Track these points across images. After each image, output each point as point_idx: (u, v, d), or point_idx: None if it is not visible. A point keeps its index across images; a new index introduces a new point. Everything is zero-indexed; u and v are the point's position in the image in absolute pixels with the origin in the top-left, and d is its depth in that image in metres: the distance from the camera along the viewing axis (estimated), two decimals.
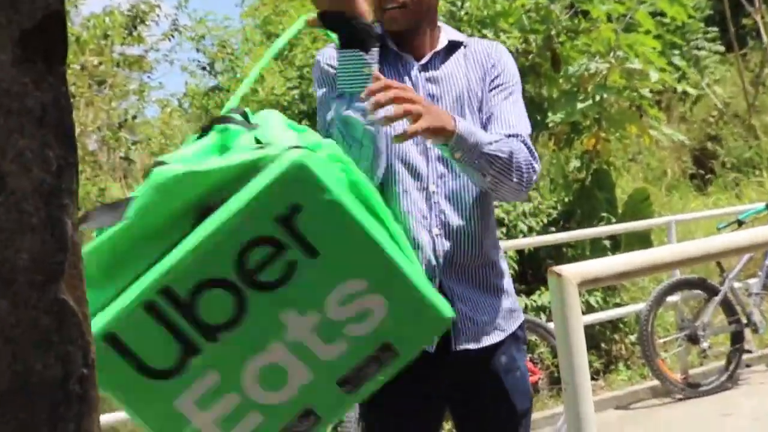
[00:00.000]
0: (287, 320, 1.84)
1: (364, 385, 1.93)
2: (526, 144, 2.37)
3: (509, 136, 2.36)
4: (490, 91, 2.47)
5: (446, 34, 2.52)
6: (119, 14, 11.22)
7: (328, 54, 2.41)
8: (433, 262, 2.34)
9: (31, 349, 0.72)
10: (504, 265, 2.50)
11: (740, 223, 7.24)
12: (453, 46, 2.50)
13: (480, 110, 2.45)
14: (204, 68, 10.44)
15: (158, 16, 11.69)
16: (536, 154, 2.39)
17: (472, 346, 2.36)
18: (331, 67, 2.35)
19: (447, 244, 2.36)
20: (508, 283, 2.49)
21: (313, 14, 2.18)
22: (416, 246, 2.31)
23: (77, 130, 9.17)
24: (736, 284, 7.23)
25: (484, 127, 2.42)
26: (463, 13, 7.87)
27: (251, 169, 1.78)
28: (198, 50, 10.48)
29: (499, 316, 2.43)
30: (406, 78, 2.42)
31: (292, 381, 1.89)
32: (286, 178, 1.76)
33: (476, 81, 2.47)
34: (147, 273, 1.77)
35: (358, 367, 1.90)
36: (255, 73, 2.26)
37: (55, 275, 0.73)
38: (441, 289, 2.29)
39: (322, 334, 1.86)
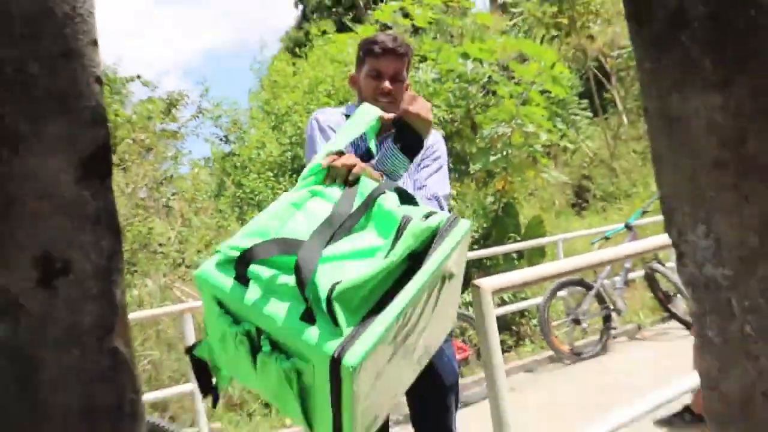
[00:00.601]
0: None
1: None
2: (438, 201, 2.35)
3: (429, 198, 2.34)
4: (423, 160, 2.43)
5: None
6: (159, 101, 11.18)
7: (331, 118, 2.39)
8: None
9: (96, 383, 0.72)
10: None
11: (607, 239, 7.32)
12: None
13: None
14: (221, 139, 10.42)
15: (187, 102, 11.67)
16: (446, 208, 2.38)
17: None
18: (332, 129, 2.32)
19: None
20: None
21: (389, 115, 2.04)
22: None
23: (131, 187, 9.10)
24: (606, 281, 7.29)
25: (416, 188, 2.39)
26: None
27: (436, 230, 1.59)
28: (216, 126, 10.47)
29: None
30: (372, 147, 2.24)
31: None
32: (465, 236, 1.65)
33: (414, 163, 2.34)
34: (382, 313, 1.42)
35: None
36: (326, 148, 1.84)
37: (110, 330, 0.74)
38: None
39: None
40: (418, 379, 2.37)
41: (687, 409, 4.32)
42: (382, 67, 2.39)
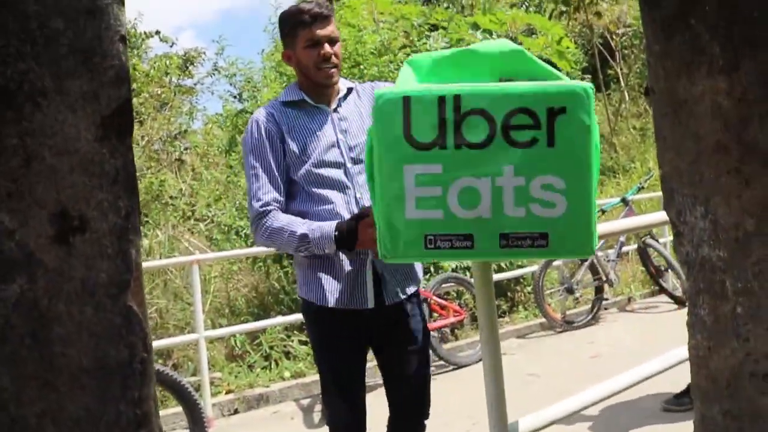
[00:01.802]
0: (505, 170, 1.76)
1: (512, 249, 1.79)
2: None
3: None
4: None
5: (343, 83, 2.46)
6: (176, 57, 11.07)
7: (270, 121, 2.34)
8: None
9: (108, 340, 0.71)
10: None
11: (603, 212, 7.29)
12: (348, 91, 2.45)
13: None
14: (235, 97, 10.32)
15: (204, 59, 11.56)
16: None
17: (395, 300, 2.35)
18: (275, 133, 2.33)
19: None
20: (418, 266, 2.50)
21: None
22: None
23: (146, 139, 9.06)
24: (599, 253, 7.30)
25: None
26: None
27: (554, 77, 1.86)
28: (231, 84, 10.37)
29: (410, 278, 2.43)
30: (326, 120, 2.37)
31: (477, 209, 1.78)
32: (575, 90, 1.75)
33: (368, 112, 2.40)
34: (456, 86, 1.78)
35: (519, 234, 1.77)
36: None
37: (124, 289, 0.72)
38: (372, 265, 2.32)
39: (518, 195, 1.76)
40: (389, 334, 2.42)
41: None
42: (317, 34, 2.32)
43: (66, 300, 0.69)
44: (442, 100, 1.77)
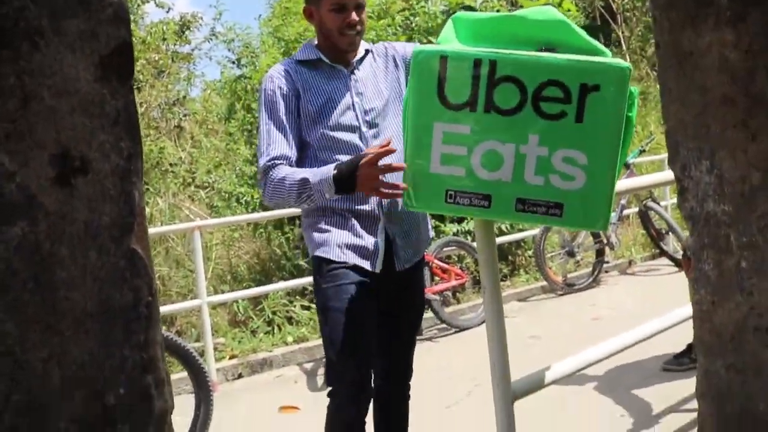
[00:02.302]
0: (530, 139, 1.80)
1: (526, 214, 1.85)
2: None
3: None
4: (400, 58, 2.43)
5: (362, 45, 2.40)
6: (173, 23, 10.95)
7: (287, 81, 2.29)
8: (377, 211, 2.29)
9: (112, 283, 0.70)
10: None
11: None
12: (366, 53, 2.39)
13: (395, 83, 2.40)
14: (233, 62, 10.22)
15: (201, 24, 11.43)
16: None
17: (405, 266, 2.36)
18: (295, 91, 2.29)
19: (391, 200, 2.30)
20: (425, 222, 2.48)
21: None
22: (365, 201, 2.28)
23: (144, 106, 9.01)
24: None
25: None
26: (414, 25, 7.71)
27: (599, 53, 1.84)
28: (229, 49, 10.26)
29: (420, 246, 2.43)
30: (342, 81, 2.32)
31: (498, 172, 1.84)
32: (613, 68, 1.76)
33: (384, 69, 2.40)
34: (494, 51, 1.80)
35: (535, 201, 1.82)
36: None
37: (128, 231, 0.71)
38: (385, 231, 2.30)
39: (539, 164, 1.81)
40: (398, 297, 2.43)
41: (691, 347, 4.13)
42: (344, 0, 2.25)
43: (68, 243, 0.68)
44: (478, 62, 1.79)
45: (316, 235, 2.33)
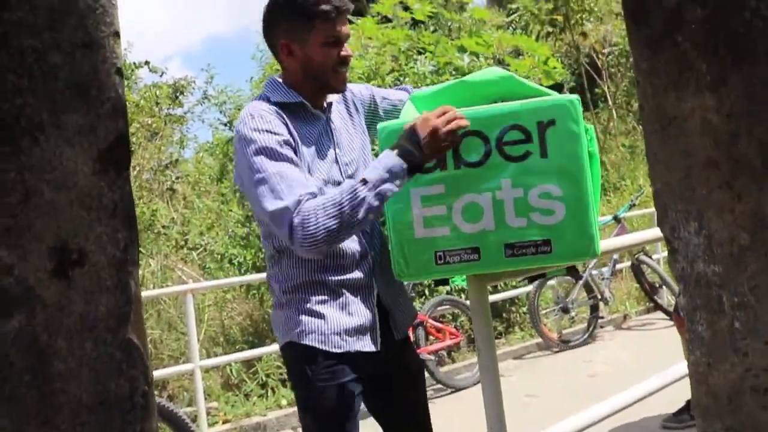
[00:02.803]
0: (503, 183, 1.86)
1: (517, 258, 1.87)
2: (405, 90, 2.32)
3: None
4: (372, 95, 2.21)
5: None
6: (166, 87, 11.11)
7: (274, 122, 1.91)
8: (371, 280, 2.03)
9: (108, 374, 0.70)
10: None
11: None
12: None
13: (362, 132, 2.16)
14: (224, 124, 10.36)
15: (193, 88, 11.59)
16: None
17: (402, 334, 2.11)
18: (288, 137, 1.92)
19: (379, 265, 2.06)
20: (408, 290, 2.41)
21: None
22: (357, 269, 2.01)
23: (137, 169, 9.05)
24: (593, 272, 7.30)
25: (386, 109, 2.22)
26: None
27: (546, 94, 1.92)
28: (220, 111, 10.40)
29: (410, 309, 2.21)
30: (324, 130, 2.02)
31: (481, 223, 1.88)
32: (563, 102, 1.85)
33: (349, 117, 2.13)
34: None
35: (523, 243, 1.85)
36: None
37: (124, 321, 0.72)
38: (379, 299, 2.04)
39: (518, 206, 1.85)
40: (397, 368, 2.10)
41: (689, 404, 4.11)
42: (340, 32, 1.96)
43: (66, 335, 0.69)
44: None
45: (304, 318, 1.95)
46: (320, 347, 1.93)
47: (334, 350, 1.94)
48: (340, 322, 1.96)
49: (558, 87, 2.18)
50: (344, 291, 1.99)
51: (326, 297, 1.98)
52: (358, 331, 1.98)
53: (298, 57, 1.97)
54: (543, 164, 1.84)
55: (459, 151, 1.88)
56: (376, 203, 1.80)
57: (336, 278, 1.99)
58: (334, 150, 2.03)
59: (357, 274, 2.02)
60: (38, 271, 0.68)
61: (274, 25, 2.00)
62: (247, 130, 1.89)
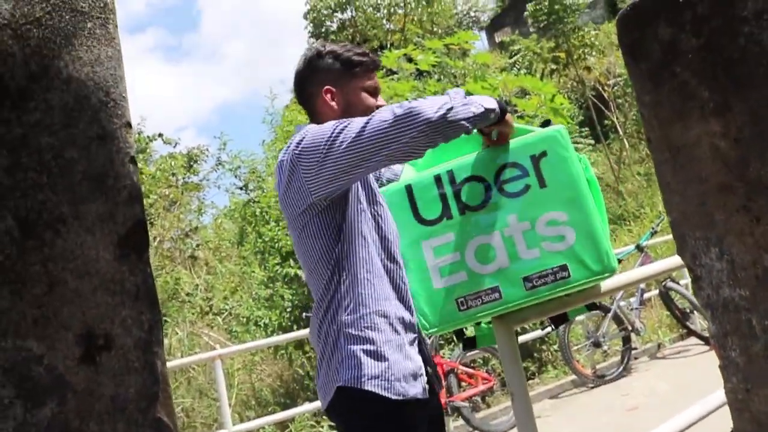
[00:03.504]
0: (509, 220, 1.91)
1: (537, 289, 1.89)
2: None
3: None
4: None
5: None
6: (180, 156, 11.30)
7: None
8: (415, 321, 1.95)
9: None
10: None
11: (619, 261, 7.24)
12: None
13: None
14: (240, 188, 10.46)
15: (207, 156, 11.79)
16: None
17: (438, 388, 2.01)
18: None
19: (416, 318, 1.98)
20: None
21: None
22: (409, 308, 1.94)
23: (157, 239, 9.15)
24: (622, 303, 7.22)
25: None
26: None
27: (529, 131, 1.98)
28: (235, 176, 10.52)
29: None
30: None
31: (495, 262, 1.91)
32: (550, 133, 1.93)
33: None
34: (447, 164, 1.99)
35: (540, 273, 1.88)
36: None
37: (153, 401, 0.73)
38: (425, 358, 1.96)
39: (528, 238, 1.89)
40: (435, 419, 2.01)
41: None
42: (377, 83, 2.08)
43: (97, 419, 0.70)
44: (438, 178, 1.96)
45: (367, 360, 1.82)
46: (384, 395, 1.79)
47: (396, 397, 1.80)
48: (403, 364, 1.85)
49: (545, 122, 2.29)
50: (401, 329, 1.90)
51: (387, 334, 1.86)
52: (414, 376, 1.87)
53: (340, 103, 2.02)
54: (544, 194, 1.90)
55: (461, 198, 1.94)
56: (483, 113, 1.85)
57: (396, 312, 1.90)
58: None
59: (407, 312, 1.94)
60: (67, 359, 0.70)
61: (316, 72, 2.05)
62: (296, 140, 1.88)
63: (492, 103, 1.90)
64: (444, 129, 1.77)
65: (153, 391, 0.73)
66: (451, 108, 1.78)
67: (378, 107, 2.02)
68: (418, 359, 1.92)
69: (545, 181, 1.90)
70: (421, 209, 1.97)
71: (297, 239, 1.97)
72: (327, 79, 2.03)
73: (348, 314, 1.85)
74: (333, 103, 2.02)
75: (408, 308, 1.95)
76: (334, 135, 1.81)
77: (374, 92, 2.06)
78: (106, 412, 0.71)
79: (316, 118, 2.07)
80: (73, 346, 0.70)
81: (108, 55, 0.76)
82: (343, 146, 1.78)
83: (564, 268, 1.87)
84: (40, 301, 0.69)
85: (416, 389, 1.85)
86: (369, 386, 1.79)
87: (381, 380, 1.80)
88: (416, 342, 1.95)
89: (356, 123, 1.80)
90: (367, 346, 1.82)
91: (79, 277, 0.71)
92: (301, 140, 1.87)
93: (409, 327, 1.92)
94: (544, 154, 1.91)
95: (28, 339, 0.68)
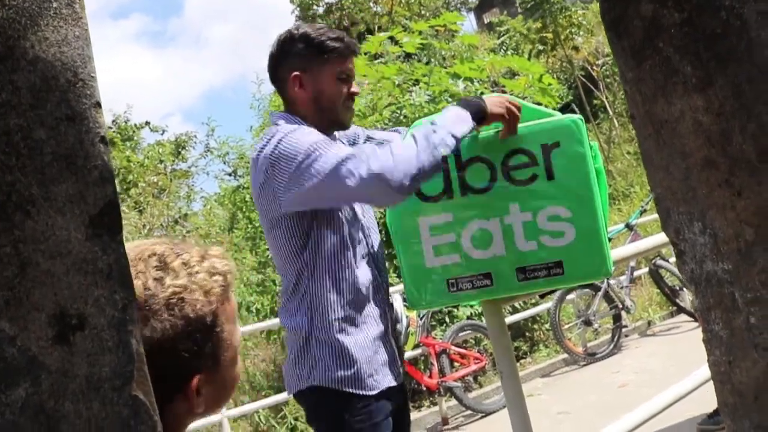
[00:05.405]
0: (511, 208, 1.87)
1: (529, 282, 1.88)
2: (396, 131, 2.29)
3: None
4: (357, 134, 2.21)
5: None
6: (168, 144, 11.25)
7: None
8: (388, 312, 2.04)
9: None
10: None
11: (609, 240, 7.27)
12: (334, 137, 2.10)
13: None
14: (229, 174, 10.44)
15: (195, 142, 11.74)
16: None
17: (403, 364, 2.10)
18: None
19: (387, 293, 2.06)
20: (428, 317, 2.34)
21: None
22: (379, 303, 2.00)
23: (147, 227, 9.13)
24: (612, 281, 7.26)
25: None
26: (402, 117, 7.92)
27: (549, 115, 1.91)
28: (224, 162, 10.49)
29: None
30: None
31: (491, 249, 1.88)
32: (566, 123, 1.86)
33: None
34: None
35: (534, 266, 1.86)
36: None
37: (128, 380, 0.74)
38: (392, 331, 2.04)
39: (527, 230, 1.86)
40: (403, 405, 2.09)
41: None
42: (351, 69, 2.02)
43: (72, 398, 0.70)
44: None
45: (339, 365, 1.89)
46: (355, 392, 1.88)
47: (368, 393, 1.89)
48: (374, 360, 1.92)
49: (566, 105, 2.22)
50: (367, 326, 1.94)
51: (353, 333, 1.91)
52: (385, 367, 1.95)
53: (309, 89, 1.98)
54: (550, 187, 1.85)
55: (464, 179, 1.89)
56: (440, 146, 1.77)
57: (360, 312, 1.94)
58: None
59: (376, 307, 1.98)
60: (40, 340, 0.70)
61: (286, 56, 2.01)
62: (274, 141, 1.85)
63: (462, 124, 1.81)
64: (415, 185, 1.77)
65: (128, 370, 0.73)
66: (422, 167, 1.74)
67: (352, 94, 2.01)
68: (390, 349, 1.98)
69: (554, 174, 1.85)
70: (423, 184, 1.88)
71: (267, 233, 2.00)
72: (297, 65, 1.99)
73: (318, 320, 1.90)
74: (302, 90, 1.99)
75: (375, 300, 1.98)
76: (305, 165, 1.77)
77: (348, 78, 2.01)
78: (81, 392, 0.71)
79: (287, 103, 2.06)
80: (46, 326, 0.70)
81: (75, 35, 0.75)
82: (312, 182, 1.76)
83: (559, 264, 1.85)
84: (12, 282, 0.69)
85: (388, 378, 1.94)
86: (341, 386, 1.88)
87: (353, 380, 1.88)
88: (387, 331, 1.99)
89: (328, 163, 1.74)
90: (338, 352, 1.89)
91: (50, 257, 0.71)
92: (278, 144, 1.84)
93: (376, 320, 1.97)
94: (556, 144, 1.84)
95: (1, 320, 0.68)
